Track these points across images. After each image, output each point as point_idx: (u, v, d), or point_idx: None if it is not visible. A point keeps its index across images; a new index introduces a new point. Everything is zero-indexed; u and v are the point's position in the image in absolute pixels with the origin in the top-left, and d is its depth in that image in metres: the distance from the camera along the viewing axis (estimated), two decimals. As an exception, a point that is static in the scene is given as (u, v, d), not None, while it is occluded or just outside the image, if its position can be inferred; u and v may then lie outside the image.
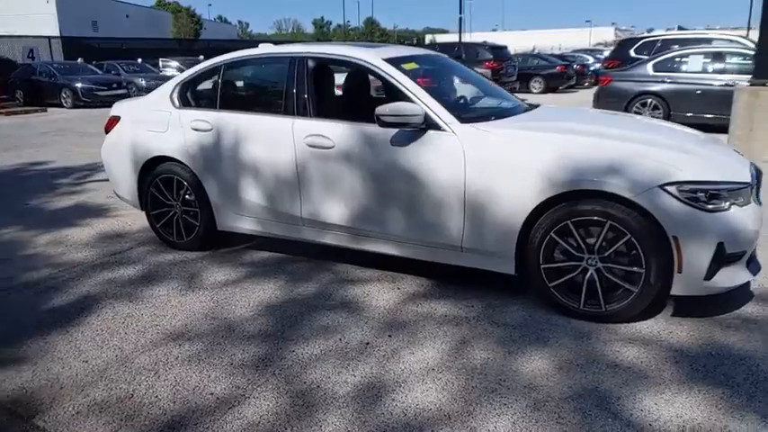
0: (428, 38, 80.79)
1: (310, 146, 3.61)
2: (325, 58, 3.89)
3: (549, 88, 18.53)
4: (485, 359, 2.73)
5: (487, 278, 3.53)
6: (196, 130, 4.07)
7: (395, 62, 3.63)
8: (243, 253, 4.28)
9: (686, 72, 9.34)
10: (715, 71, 9.18)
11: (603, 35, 60.65)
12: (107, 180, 4.84)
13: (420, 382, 2.56)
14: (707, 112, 9.01)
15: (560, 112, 4.67)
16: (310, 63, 3.80)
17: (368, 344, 2.91)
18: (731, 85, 8.88)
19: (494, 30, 72.29)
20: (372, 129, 3.48)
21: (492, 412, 2.33)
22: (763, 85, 6.86)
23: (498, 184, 3.10)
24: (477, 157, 3.15)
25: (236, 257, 4.19)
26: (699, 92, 9.11)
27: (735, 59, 9.20)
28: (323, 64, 3.93)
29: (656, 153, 2.94)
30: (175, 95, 4.28)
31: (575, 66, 20.55)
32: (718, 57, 9.31)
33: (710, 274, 2.83)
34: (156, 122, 4.27)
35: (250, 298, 3.49)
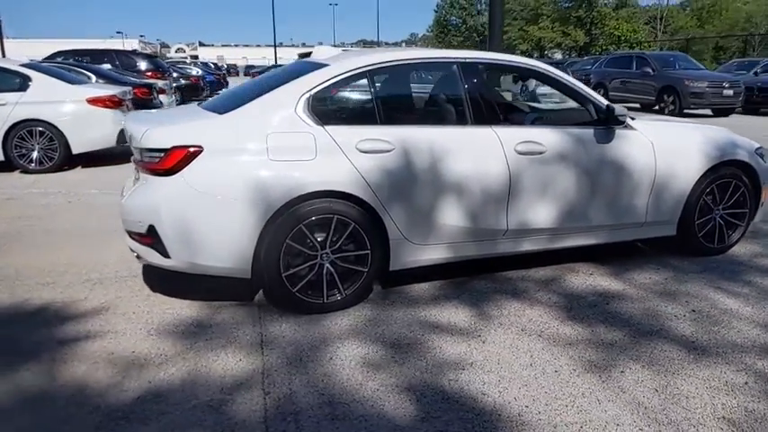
0: None
1: (523, 153, 3.47)
2: (497, 65, 3.71)
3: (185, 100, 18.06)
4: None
5: (602, 250, 4.27)
6: (366, 152, 3.17)
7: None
8: (411, 290, 3.58)
9: None
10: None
11: (132, 46, 60.01)
12: None
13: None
14: None
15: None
16: (481, 69, 3.56)
17: (709, 316, 3.29)
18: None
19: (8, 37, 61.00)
20: (573, 130, 3.69)
21: None
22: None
23: (676, 165, 3.89)
24: (661, 146, 3.84)
25: (421, 299, 3.47)
26: None
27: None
28: (494, 70, 3.73)
29: (735, 134, 4.34)
30: (305, 109, 3.15)
31: (190, 78, 20.49)
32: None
33: None
34: (292, 148, 3.06)
35: (578, 321, 3.17)
